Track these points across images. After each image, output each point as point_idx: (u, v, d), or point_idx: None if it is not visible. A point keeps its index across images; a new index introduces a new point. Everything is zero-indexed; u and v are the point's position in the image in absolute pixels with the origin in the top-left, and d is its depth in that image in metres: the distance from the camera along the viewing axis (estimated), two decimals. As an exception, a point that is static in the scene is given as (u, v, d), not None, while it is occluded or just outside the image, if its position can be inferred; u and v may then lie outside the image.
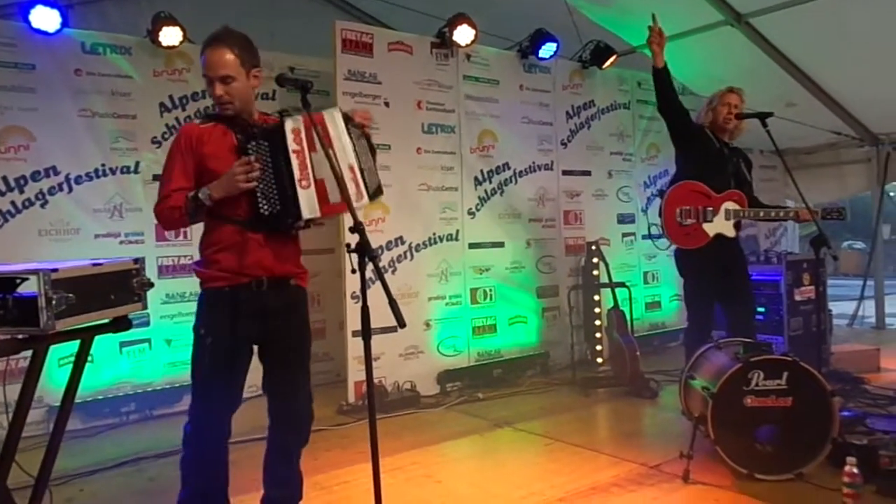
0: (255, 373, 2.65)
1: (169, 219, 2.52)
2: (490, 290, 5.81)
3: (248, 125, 2.52)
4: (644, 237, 6.67)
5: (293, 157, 2.40)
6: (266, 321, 2.55)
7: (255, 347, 2.63)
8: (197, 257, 2.63)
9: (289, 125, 2.41)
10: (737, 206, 4.16)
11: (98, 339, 2.45)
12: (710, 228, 4.13)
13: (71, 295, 2.01)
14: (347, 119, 2.52)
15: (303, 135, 2.42)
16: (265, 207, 2.43)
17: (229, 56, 2.45)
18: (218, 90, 2.46)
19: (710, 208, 4.13)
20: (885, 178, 7.23)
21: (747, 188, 4.26)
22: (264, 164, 2.41)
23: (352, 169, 2.42)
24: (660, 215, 4.19)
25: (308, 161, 2.41)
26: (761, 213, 4.23)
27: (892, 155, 7.07)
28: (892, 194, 8.36)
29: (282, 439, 2.71)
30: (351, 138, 2.49)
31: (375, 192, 2.55)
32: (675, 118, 4.18)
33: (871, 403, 4.42)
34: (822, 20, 5.23)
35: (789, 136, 6.53)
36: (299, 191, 2.40)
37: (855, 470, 2.77)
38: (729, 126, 4.21)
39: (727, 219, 4.15)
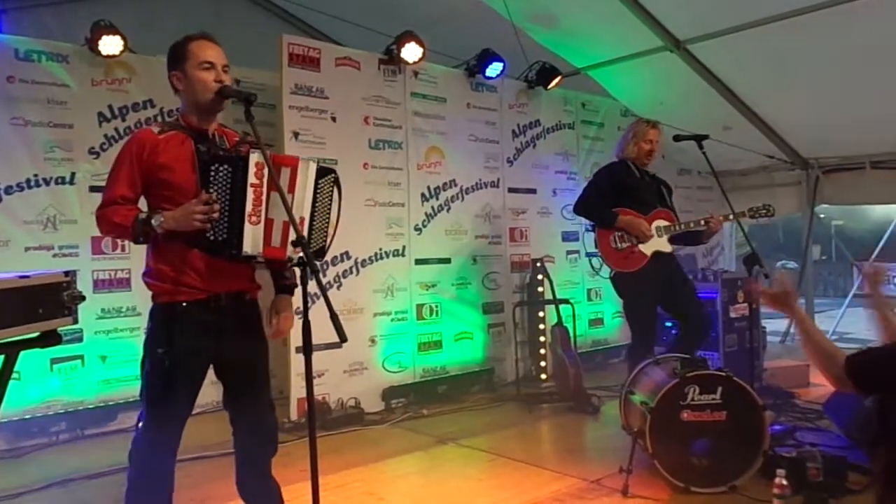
0: (209, 388, 2.60)
1: (110, 231, 2.49)
2: (436, 307, 5.81)
3: (214, 143, 2.49)
4: (588, 255, 6.79)
5: (250, 189, 2.36)
6: (223, 338, 2.49)
7: (211, 364, 2.56)
8: (135, 271, 2.55)
9: (253, 157, 2.36)
10: (666, 223, 4.41)
11: (27, 356, 2.35)
12: (647, 248, 4.35)
13: (-5, 308, 1.94)
14: (322, 174, 2.50)
15: (265, 170, 2.37)
16: (210, 233, 2.38)
17: (223, 53, 2.55)
18: (223, 76, 2.50)
19: None
20: (814, 201, 7.54)
21: (671, 213, 4.50)
22: (222, 191, 2.36)
23: (302, 221, 2.40)
24: (596, 246, 4.42)
25: (264, 198, 2.38)
26: (691, 224, 4.44)
27: (821, 178, 7.38)
28: (821, 216, 8.69)
29: (253, 453, 2.67)
30: (316, 194, 2.47)
31: (315, 253, 2.48)
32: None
33: (801, 417, 4.58)
34: (757, 48, 5.46)
35: (725, 158, 6.78)
36: (247, 225, 2.36)
37: (784, 482, 2.87)
38: (650, 161, 4.52)
39: (660, 236, 4.38)
